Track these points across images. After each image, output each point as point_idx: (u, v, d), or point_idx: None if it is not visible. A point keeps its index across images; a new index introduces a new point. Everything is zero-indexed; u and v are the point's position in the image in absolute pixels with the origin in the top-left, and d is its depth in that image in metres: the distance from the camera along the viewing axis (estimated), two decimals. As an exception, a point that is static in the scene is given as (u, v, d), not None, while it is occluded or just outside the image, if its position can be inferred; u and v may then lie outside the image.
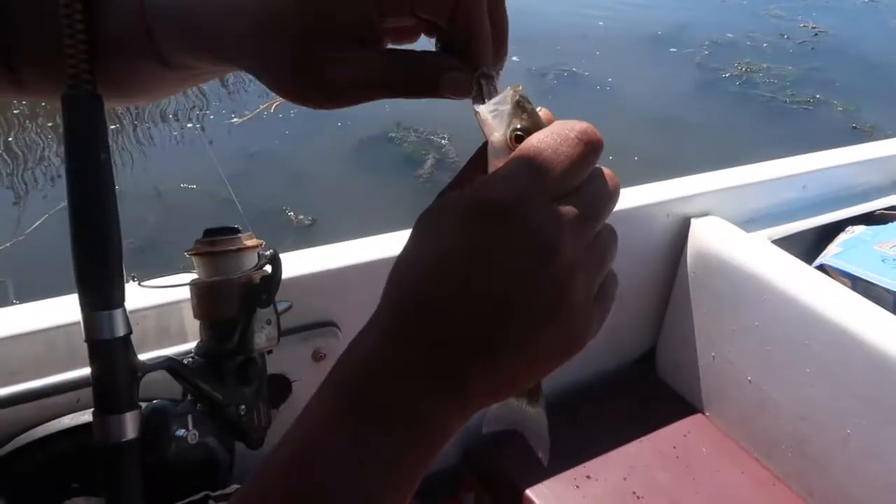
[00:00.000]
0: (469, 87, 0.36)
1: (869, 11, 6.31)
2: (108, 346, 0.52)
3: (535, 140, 0.33)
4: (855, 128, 4.11)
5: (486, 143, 0.36)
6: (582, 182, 0.34)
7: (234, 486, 0.91)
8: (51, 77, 0.51)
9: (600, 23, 5.46)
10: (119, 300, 0.52)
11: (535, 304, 0.32)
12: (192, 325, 0.92)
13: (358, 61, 0.37)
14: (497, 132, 0.35)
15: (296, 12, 0.36)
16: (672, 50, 5.23)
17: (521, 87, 0.36)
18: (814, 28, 5.68)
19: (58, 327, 0.86)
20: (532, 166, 0.32)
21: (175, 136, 3.23)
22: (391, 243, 1.06)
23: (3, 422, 0.83)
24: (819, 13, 5.98)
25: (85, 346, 0.87)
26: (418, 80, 0.37)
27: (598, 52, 5.03)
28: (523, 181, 0.32)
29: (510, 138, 0.35)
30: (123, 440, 0.53)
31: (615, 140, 3.86)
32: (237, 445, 0.97)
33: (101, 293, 0.51)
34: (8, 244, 2.60)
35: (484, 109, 0.36)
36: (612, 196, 0.36)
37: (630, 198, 1.30)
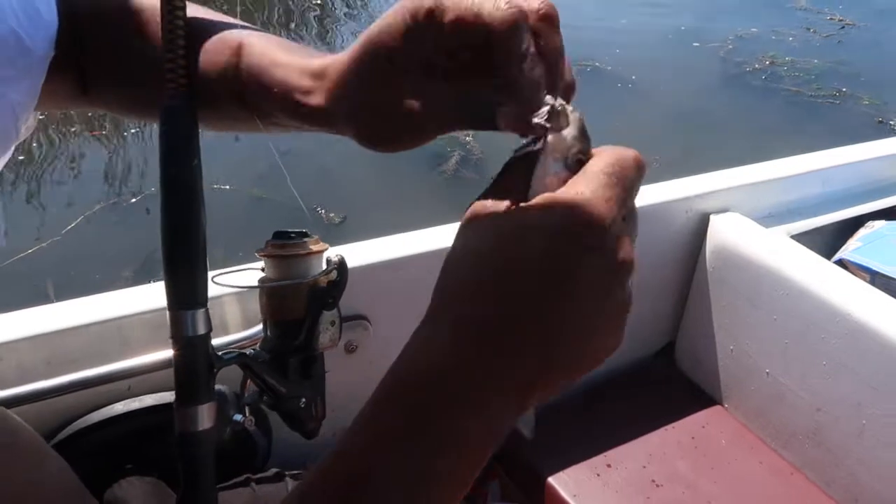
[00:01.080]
0: (522, 125, 0.36)
1: (897, 3, 6.22)
2: (190, 343, 0.55)
3: (608, 168, 0.35)
4: (881, 122, 4.07)
5: (521, 157, 0.37)
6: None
7: (274, 470, 0.96)
8: (120, 94, 0.57)
9: (623, 20, 5.44)
10: (203, 300, 0.55)
11: (610, 322, 0.35)
12: (255, 315, 0.98)
13: (429, 91, 0.39)
14: (557, 153, 0.36)
15: (363, 59, 0.40)
16: (695, 44, 5.19)
17: (582, 114, 0.37)
18: (840, 21, 5.60)
19: (111, 320, 0.92)
20: (610, 195, 0.34)
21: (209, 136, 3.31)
22: (417, 240, 1.11)
23: (63, 407, 0.89)
24: (846, 6, 5.89)
25: (134, 336, 0.94)
26: (484, 112, 0.38)
27: (621, 47, 5.02)
28: (604, 209, 0.33)
29: (569, 161, 0.37)
30: (201, 429, 0.56)
31: (638, 136, 3.87)
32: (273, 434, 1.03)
33: (186, 293, 0.54)
34: (44, 244, 2.68)
35: (551, 138, 0.37)
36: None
37: (651, 194, 1.33)
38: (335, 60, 0.43)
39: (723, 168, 1.44)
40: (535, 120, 0.36)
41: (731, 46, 5.12)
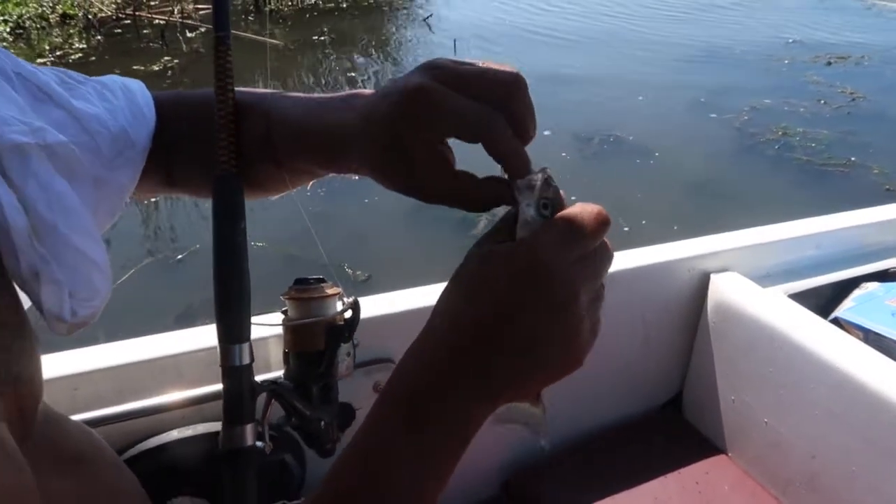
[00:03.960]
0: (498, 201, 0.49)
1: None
2: (237, 372, 0.65)
3: (567, 214, 0.44)
4: (889, 189, 4.16)
5: (511, 213, 0.47)
6: (595, 248, 0.45)
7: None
8: (195, 174, 0.70)
9: (640, 97, 5.65)
10: (246, 336, 0.65)
11: (559, 342, 0.44)
12: (277, 354, 1.10)
13: (434, 172, 0.49)
14: (529, 200, 0.46)
15: (377, 130, 0.51)
16: (712, 115, 5.39)
17: (548, 169, 0.47)
18: (851, 93, 5.77)
19: (169, 356, 1.05)
20: (565, 236, 0.43)
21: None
22: (440, 292, 1.23)
23: (128, 431, 1.01)
24: (857, 79, 6.09)
25: (189, 371, 1.07)
26: (484, 201, 0.50)
27: (643, 118, 5.23)
28: (558, 248, 0.43)
29: (538, 206, 0.46)
30: (245, 446, 0.66)
31: (656, 201, 4.01)
32: (308, 464, 1.13)
33: (234, 330, 0.65)
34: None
35: (520, 183, 0.47)
36: (610, 259, 0.47)
37: (656, 254, 1.45)
38: (357, 131, 0.53)
39: (731, 230, 1.56)
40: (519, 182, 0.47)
41: (745, 117, 5.30)
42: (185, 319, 2.74)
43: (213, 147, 0.63)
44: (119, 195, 0.63)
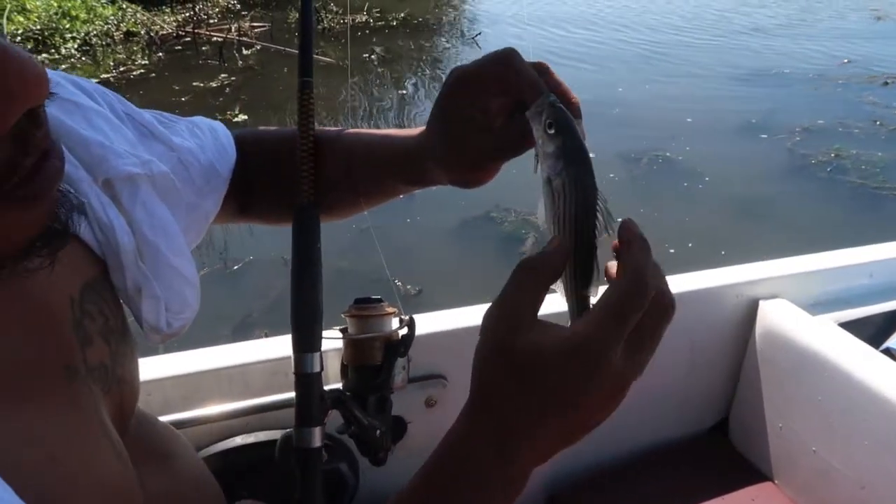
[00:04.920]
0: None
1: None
2: (309, 378, 0.71)
3: (608, 310, 0.43)
4: (943, 215, 4.06)
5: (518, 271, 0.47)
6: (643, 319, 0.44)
7: (360, 506, 1.11)
8: (268, 203, 0.77)
9: (689, 119, 5.62)
10: (317, 346, 0.71)
11: (593, 419, 0.46)
12: (335, 367, 1.15)
13: (481, 138, 0.57)
14: (538, 125, 0.49)
15: (434, 134, 0.60)
16: (763, 136, 5.32)
17: (552, 95, 0.50)
18: (908, 115, 5.65)
19: (236, 366, 1.12)
20: (603, 334, 0.43)
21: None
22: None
23: (195, 436, 1.08)
24: (915, 100, 5.95)
25: (253, 381, 1.13)
26: (519, 137, 0.55)
27: (693, 139, 5.20)
28: (593, 349, 0.43)
29: (544, 126, 0.48)
30: (314, 446, 0.71)
31: (700, 224, 3.98)
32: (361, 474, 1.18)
33: (308, 340, 0.70)
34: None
35: (529, 112, 0.50)
36: (666, 310, 0.45)
37: (704, 279, 1.46)
38: (419, 136, 0.63)
39: (781, 255, 1.56)
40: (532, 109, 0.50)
41: (797, 138, 5.22)
42: (243, 329, 2.84)
43: (296, 178, 0.69)
44: (206, 219, 0.71)
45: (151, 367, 1.09)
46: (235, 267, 3.35)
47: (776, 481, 1.44)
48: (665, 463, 1.48)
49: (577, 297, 0.49)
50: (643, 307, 0.43)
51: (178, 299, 0.60)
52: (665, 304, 0.45)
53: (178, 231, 0.61)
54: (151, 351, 1.12)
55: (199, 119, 0.73)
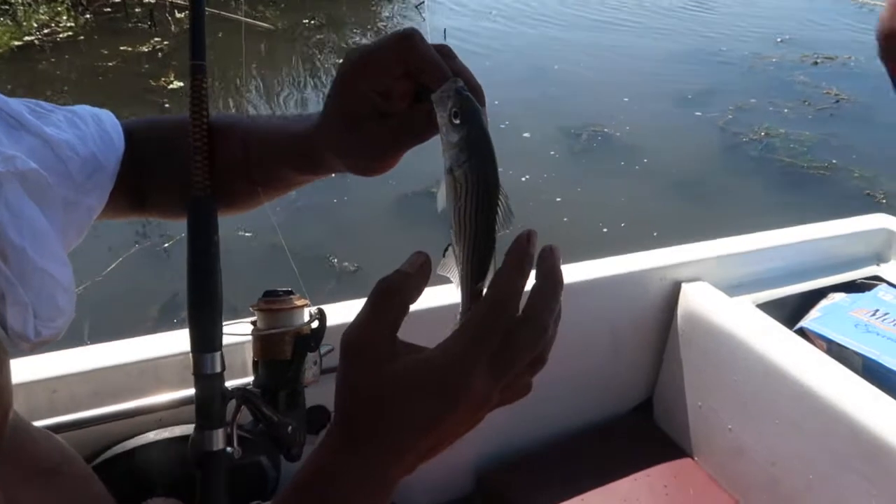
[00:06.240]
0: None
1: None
2: (208, 380, 0.69)
3: (476, 315, 0.43)
4: (869, 194, 4.22)
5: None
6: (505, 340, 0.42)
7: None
8: (166, 196, 0.73)
9: (626, 98, 5.68)
10: (218, 345, 0.69)
11: (457, 433, 0.44)
12: (248, 361, 1.12)
13: (380, 124, 0.53)
14: (443, 112, 0.46)
15: (331, 118, 0.56)
16: (697, 113, 5.42)
17: (460, 81, 0.47)
18: (836, 95, 5.81)
19: (149, 360, 1.08)
20: (467, 345, 0.42)
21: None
22: (423, 297, 1.26)
23: (105, 433, 1.04)
24: (842, 80, 6.12)
25: (167, 374, 1.09)
26: (423, 120, 0.51)
27: (630, 115, 5.26)
28: (458, 358, 0.42)
29: (450, 115, 0.45)
30: (215, 449, 0.70)
31: (638, 200, 4.05)
32: (283, 466, 1.16)
33: (206, 340, 0.68)
34: (80, 288, 2.86)
35: (435, 96, 0.46)
36: (538, 348, 0.44)
37: (629, 263, 1.48)
38: (316, 122, 0.58)
39: (712, 235, 1.60)
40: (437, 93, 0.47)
41: (730, 116, 5.34)
42: (172, 310, 2.75)
43: (188, 170, 0.66)
44: (87, 216, 0.66)
45: (57, 363, 1.04)
46: (166, 245, 3.25)
47: (696, 458, 1.49)
48: (591, 443, 1.52)
49: (471, 292, 0.48)
50: (501, 328, 0.42)
51: (48, 305, 0.55)
52: (539, 325, 0.44)
53: (49, 232, 0.56)
54: (58, 346, 1.07)
55: (81, 108, 0.68)
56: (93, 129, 0.66)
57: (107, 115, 0.69)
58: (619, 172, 4.42)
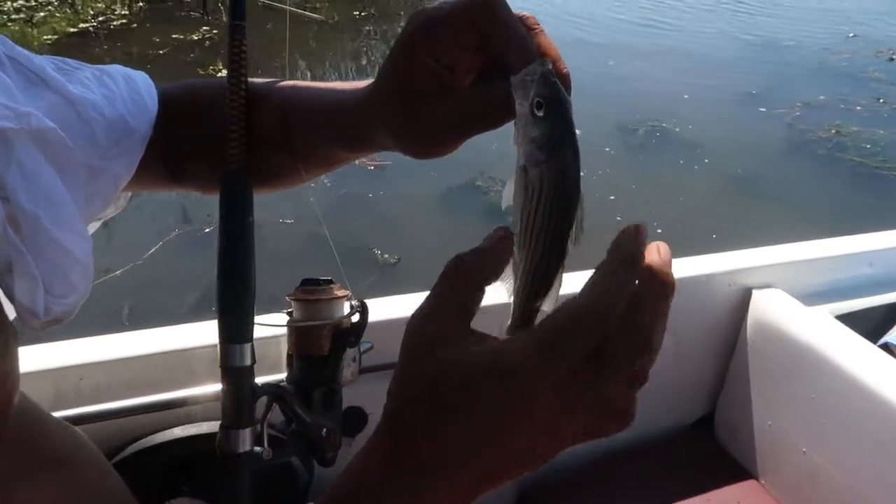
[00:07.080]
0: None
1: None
2: (237, 373, 0.62)
3: (553, 323, 0.35)
4: (949, 199, 3.97)
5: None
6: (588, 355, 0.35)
7: None
8: (204, 167, 0.66)
9: (687, 91, 5.48)
10: (249, 336, 0.62)
11: (524, 455, 0.37)
12: (283, 355, 1.06)
13: (443, 102, 0.45)
14: (523, 99, 0.38)
15: (385, 91, 0.48)
16: (762, 109, 5.19)
17: (549, 64, 0.39)
18: (914, 92, 5.52)
19: (179, 350, 1.02)
20: (543, 353, 0.34)
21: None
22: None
23: (129, 427, 0.98)
24: (921, 76, 5.82)
25: (199, 366, 1.03)
26: (501, 104, 0.42)
27: (690, 111, 5.07)
28: (535, 371, 0.34)
29: (532, 105, 0.38)
30: (242, 451, 0.63)
31: (699, 200, 3.89)
32: (316, 467, 1.10)
33: (236, 330, 0.61)
34: (118, 272, 2.86)
35: (515, 79, 0.39)
36: (633, 346, 0.36)
37: (694, 266, 1.37)
38: (367, 94, 0.50)
39: (776, 238, 1.47)
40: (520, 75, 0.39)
41: (797, 113, 5.10)
42: (212, 297, 2.72)
43: (224, 141, 0.59)
44: (114, 185, 0.60)
45: (85, 350, 0.99)
46: (207, 230, 3.23)
47: (762, 480, 1.37)
48: (644, 458, 1.41)
49: (523, 310, 0.40)
50: (600, 333, 0.34)
51: (61, 280, 0.49)
52: (644, 334, 0.35)
53: (66, 199, 0.50)
54: (82, 332, 1.02)
55: (113, 67, 0.61)
56: (123, 90, 0.59)
57: (141, 77, 0.62)
58: (678, 170, 4.24)
